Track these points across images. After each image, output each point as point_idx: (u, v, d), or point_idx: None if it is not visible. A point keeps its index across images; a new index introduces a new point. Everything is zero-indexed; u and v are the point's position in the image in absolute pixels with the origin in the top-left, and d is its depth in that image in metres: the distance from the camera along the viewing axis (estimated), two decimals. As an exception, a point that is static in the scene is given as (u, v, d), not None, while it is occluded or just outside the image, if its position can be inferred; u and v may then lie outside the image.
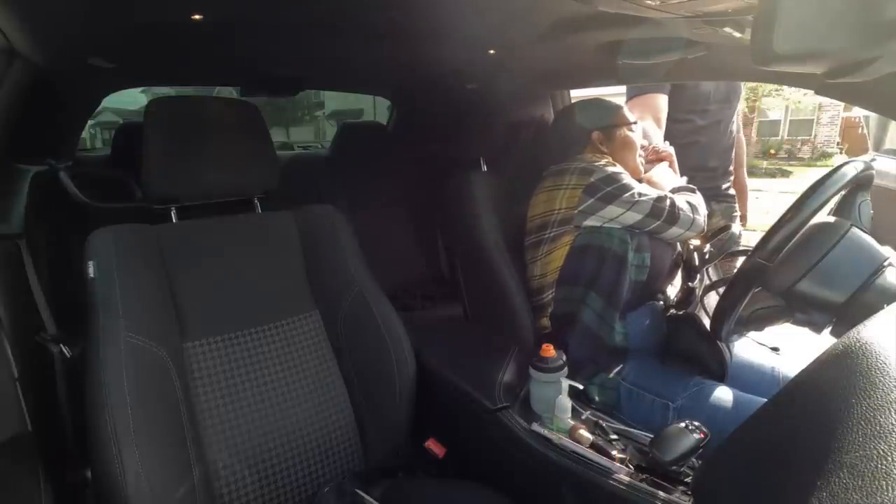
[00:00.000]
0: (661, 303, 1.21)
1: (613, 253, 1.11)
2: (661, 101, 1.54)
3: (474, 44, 1.33)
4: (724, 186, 1.69)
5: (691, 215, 1.14)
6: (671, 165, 1.33)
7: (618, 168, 1.16)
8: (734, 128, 1.69)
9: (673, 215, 1.12)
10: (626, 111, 1.28)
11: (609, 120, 1.25)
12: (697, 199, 1.19)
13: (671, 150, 1.36)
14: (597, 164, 1.15)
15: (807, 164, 12.15)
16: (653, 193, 1.13)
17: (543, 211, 1.18)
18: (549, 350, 0.97)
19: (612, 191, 1.10)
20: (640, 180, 1.22)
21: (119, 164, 2.04)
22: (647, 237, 1.14)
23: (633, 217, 1.11)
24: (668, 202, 1.12)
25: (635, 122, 1.27)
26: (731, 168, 1.71)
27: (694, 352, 1.08)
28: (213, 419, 0.88)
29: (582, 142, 1.25)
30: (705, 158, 1.59)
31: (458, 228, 1.40)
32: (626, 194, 1.10)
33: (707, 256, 1.21)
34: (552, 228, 1.16)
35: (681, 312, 1.09)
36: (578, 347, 1.11)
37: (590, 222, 1.13)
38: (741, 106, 1.81)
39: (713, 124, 1.61)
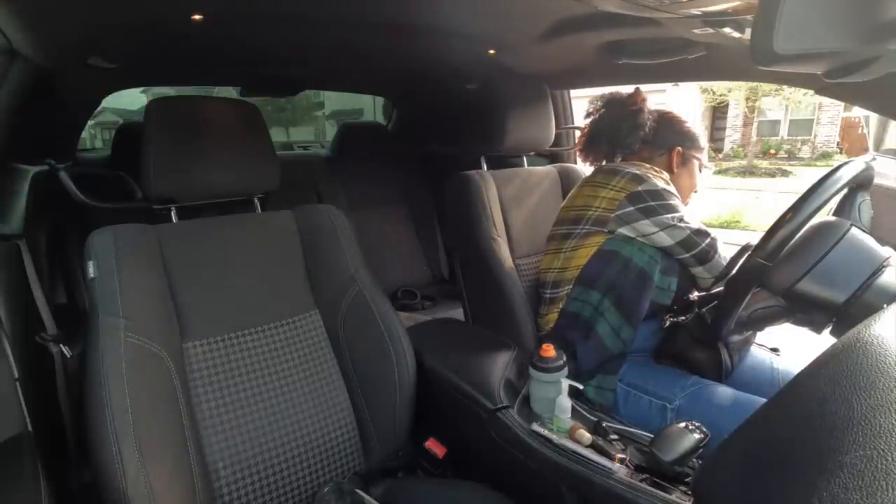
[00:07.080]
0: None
1: (640, 269, 1.07)
2: None
3: (474, 44, 1.33)
4: None
5: (723, 264, 1.10)
6: None
7: (671, 188, 1.13)
8: None
9: (705, 255, 1.09)
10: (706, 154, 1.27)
11: (695, 147, 1.23)
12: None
13: None
14: (652, 176, 1.12)
15: (807, 164, 12.13)
16: (694, 225, 1.09)
17: (582, 205, 1.16)
18: (549, 350, 0.97)
19: (654, 206, 1.07)
20: None
21: (119, 164, 2.03)
22: (677, 262, 1.12)
23: (663, 240, 1.08)
24: (707, 241, 1.08)
25: (707, 168, 1.27)
26: None
27: (686, 357, 1.07)
28: (213, 419, 0.88)
29: (662, 149, 1.22)
30: None
31: (458, 228, 1.40)
32: (667, 215, 1.07)
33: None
34: (585, 225, 1.14)
35: (678, 319, 1.08)
36: (587, 357, 1.09)
37: (624, 230, 1.10)
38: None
39: None
